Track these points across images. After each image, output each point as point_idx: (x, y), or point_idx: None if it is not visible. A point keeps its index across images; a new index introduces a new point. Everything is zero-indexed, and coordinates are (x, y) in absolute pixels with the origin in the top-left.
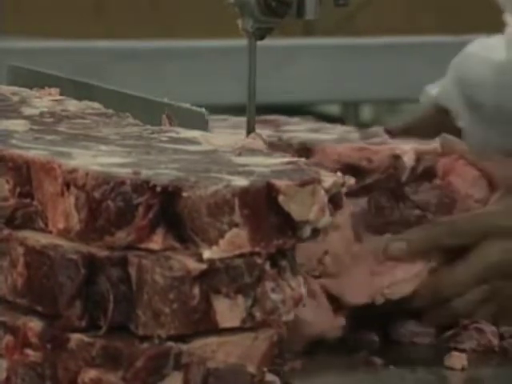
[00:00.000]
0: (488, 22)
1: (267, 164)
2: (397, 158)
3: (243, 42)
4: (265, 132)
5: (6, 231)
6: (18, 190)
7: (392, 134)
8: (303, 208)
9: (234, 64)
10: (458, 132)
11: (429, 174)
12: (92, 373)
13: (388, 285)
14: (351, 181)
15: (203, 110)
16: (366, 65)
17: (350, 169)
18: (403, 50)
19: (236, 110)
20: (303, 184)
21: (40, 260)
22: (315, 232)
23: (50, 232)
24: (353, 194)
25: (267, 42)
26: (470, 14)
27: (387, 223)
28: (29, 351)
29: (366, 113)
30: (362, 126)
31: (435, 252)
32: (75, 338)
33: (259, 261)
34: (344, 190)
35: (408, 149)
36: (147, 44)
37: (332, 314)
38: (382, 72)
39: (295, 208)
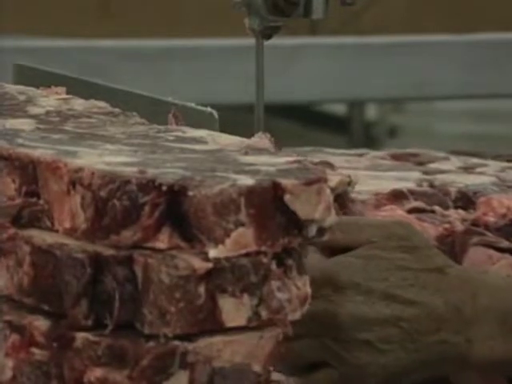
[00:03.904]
0: (492, 21)
1: (273, 163)
2: None
3: (249, 41)
4: (412, 174)
5: (12, 230)
6: (24, 188)
7: None
8: (309, 207)
9: (239, 63)
10: None
11: None
12: (98, 371)
13: None
14: (357, 180)
15: (213, 110)
16: (371, 64)
17: None
18: (409, 49)
19: (241, 109)
20: (309, 183)
21: (46, 259)
22: (321, 231)
23: (56, 231)
24: None
25: (272, 40)
26: (474, 12)
27: None
28: (35, 350)
29: (372, 112)
30: (367, 125)
31: None
32: (81, 336)
33: (265, 260)
34: (350, 189)
35: None
36: (152, 43)
37: None
38: (387, 71)
39: (301, 207)
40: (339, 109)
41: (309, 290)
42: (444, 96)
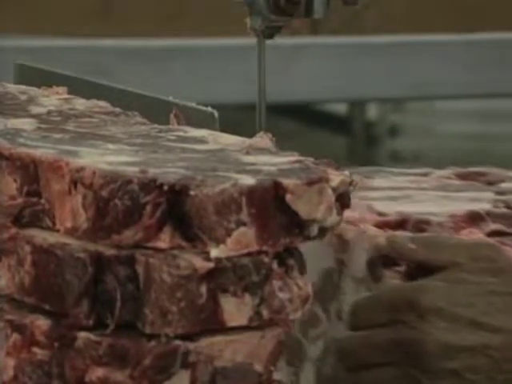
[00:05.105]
0: (492, 21)
1: (275, 163)
2: None
3: (250, 40)
4: (484, 195)
5: (13, 230)
6: (25, 188)
7: None
8: (310, 207)
9: (240, 63)
10: None
11: None
12: (99, 371)
13: None
14: (358, 179)
15: (213, 109)
16: (372, 64)
17: None
18: (410, 49)
19: (242, 109)
20: (311, 183)
21: (47, 258)
22: (322, 231)
23: (58, 230)
24: None
25: (273, 40)
26: (474, 12)
27: None
28: (36, 349)
29: (372, 111)
30: (367, 124)
31: None
32: (82, 336)
33: (266, 259)
34: (352, 189)
35: None
36: (153, 43)
37: None
38: (388, 71)
39: (302, 207)
40: (340, 108)
41: (310, 289)
42: (444, 95)
